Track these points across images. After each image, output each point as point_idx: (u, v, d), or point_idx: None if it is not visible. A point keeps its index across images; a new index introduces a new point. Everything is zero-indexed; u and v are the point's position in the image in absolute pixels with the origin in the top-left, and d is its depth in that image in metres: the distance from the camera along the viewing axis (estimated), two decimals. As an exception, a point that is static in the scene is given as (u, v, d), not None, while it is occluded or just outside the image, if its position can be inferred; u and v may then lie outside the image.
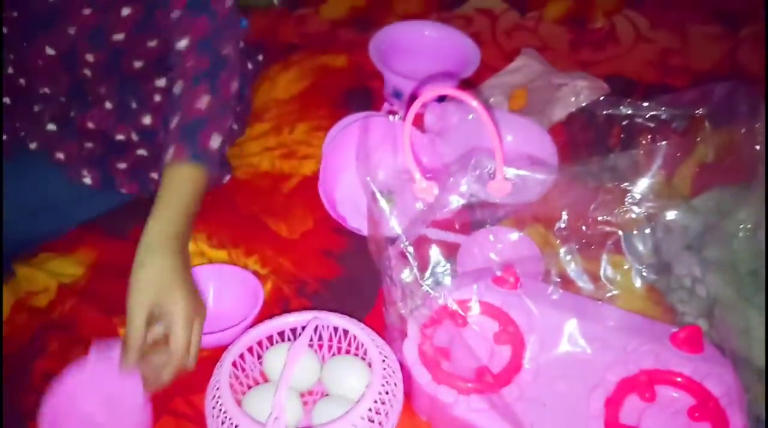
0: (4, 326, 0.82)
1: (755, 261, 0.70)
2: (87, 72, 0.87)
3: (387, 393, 0.67)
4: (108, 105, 0.90)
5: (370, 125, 0.87)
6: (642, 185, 0.77)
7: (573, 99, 1.04)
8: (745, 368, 0.66)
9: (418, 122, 1.03)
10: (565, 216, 0.72)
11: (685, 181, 0.87)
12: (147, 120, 0.91)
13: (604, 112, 0.76)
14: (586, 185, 0.72)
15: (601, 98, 0.77)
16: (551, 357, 0.69)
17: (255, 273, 0.87)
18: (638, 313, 0.73)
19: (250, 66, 1.08)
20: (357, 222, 0.90)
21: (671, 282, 0.78)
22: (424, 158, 0.93)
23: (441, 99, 1.07)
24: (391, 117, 0.98)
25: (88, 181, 0.88)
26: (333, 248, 0.91)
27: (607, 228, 0.73)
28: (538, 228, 0.87)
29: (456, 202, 0.74)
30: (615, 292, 0.76)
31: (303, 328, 0.74)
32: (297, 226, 0.94)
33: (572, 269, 0.72)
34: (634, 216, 0.72)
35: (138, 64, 0.88)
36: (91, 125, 0.89)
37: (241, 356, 0.72)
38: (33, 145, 0.88)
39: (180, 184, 0.71)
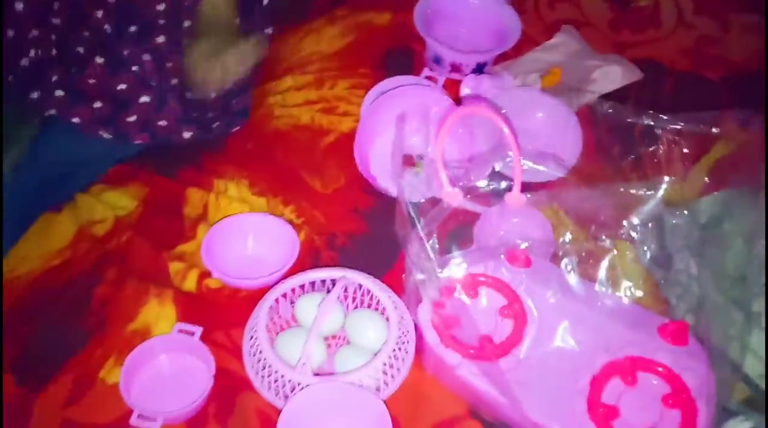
0: (66, 250, 0.93)
1: (745, 267, 0.77)
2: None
3: (400, 349, 0.77)
4: (99, 59, 0.99)
5: (407, 100, 0.92)
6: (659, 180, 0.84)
7: (605, 82, 1.08)
8: (721, 363, 0.74)
9: (454, 91, 1.09)
10: (569, 235, 0.79)
11: (699, 178, 0.93)
12: (146, 56, 1.00)
13: (628, 120, 0.81)
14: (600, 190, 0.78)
15: (625, 108, 0.82)
16: (549, 334, 0.78)
17: (290, 222, 0.95)
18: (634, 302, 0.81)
19: None
20: (386, 183, 0.97)
21: (669, 275, 0.85)
22: (456, 147, 0.98)
23: (478, 70, 1.12)
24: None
25: (106, 135, 0.99)
26: (361, 206, 0.99)
27: (606, 245, 0.79)
28: (554, 207, 0.94)
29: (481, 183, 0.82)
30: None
31: (332, 281, 0.83)
32: (330, 182, 1.02)
33: (571, 279, 0.79)
34: (628, 239, 0.79)
35: None
36: (92, 81, 0.98)
37: (276, 300, 0.82)
38: (51, 112, 0.98)
39: None
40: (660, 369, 0.74)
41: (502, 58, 1.15)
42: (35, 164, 0.98)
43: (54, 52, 1.01)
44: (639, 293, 0.84)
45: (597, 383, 0.74)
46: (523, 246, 0.81)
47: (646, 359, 0.75)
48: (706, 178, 0.88)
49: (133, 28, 1.04)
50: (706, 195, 0.87)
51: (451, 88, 1.10)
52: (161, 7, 1.04)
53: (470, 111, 0.75)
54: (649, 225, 0.86)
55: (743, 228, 0.78)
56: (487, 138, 0.90)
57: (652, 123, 0.80)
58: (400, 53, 1.19)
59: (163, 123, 1.01)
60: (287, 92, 1.13)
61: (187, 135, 1.02)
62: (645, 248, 0.85)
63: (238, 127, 1.06)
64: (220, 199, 0.99)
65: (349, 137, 1.03)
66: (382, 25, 1.24)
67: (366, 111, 1.03)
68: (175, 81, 1.03)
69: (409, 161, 0.99)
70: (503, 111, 0.99)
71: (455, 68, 1.12)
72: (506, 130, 0.71)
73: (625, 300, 0.80)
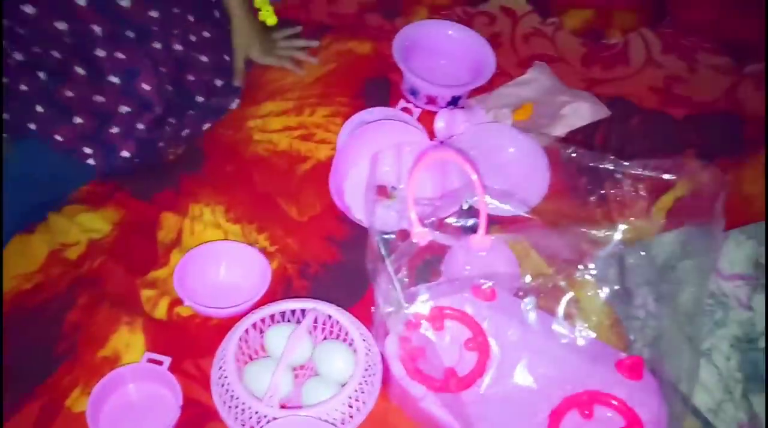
0: (38, 274, 0.93)
1: (698, 305, 0.80)
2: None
3: (366, 382, 0.78)
4: (79, 70, 0.97)
5: (383, 135, 0.95)
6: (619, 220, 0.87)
7: (574, 118, 1.12)
8: (673, 397, 0.77)
9: (429, 122, 1.11)
10: (528, 278, 0.82)
11: (658, 217, 0.96)
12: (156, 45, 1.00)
13: (590, 164, 0.84)
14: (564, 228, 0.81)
15: (588, 152, 0.85)
16: (511, 367, 0.80)
17: (264, 249, 0.97)
18: (596, 335, 0.84)
19: None
20: (360, 214, 0.99)
21: (629, 311, 0.88)
22: (431, 183, 1.00)
23: (453, 103, 1.15)
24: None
25: (91, 161, 0.99)
26: (336, 235, 1.01)
27: (569, 280, 0.82)
28: (523, 242, 0.96)
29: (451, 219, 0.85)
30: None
31: (302, 312, 0.85)
32: (306, 210, 1.04)
33: (533, 314, 0.82)
34: (589, 278, 0.82)
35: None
36: (69, 94, 0.96)
37: (246, 330, 0.84)
38: (31, 126, 0.96)
39: None
40: (615, 403, 0.76)
41: (477, 91, 1.18)
42: (8, 181, 0.98)
43: (23, 59, 0.97)
44: (599, 328, 0.86)
45: (555, 416, 0.77)
46: (489, 282, 0.83)
47: (602, 393, 0.77)
48: (665, 218, 0.91)
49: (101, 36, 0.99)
50: (665, 232, 0.90)
51: (426, 120, 1.13)
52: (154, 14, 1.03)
53: (440, 157, 0.78)
54: (610, 262, 0.89)
55: (697, 267, 0.81)
56: (460, 174, 0.93)
57: (611, 167, 0.84)
58: (378, 83, 1.22)
59: (140, 126, 1.01)
60: (267, 117, 1.15)
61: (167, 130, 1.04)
62: (606, 285, 0.88)
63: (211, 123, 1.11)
64: (195, 224, 1.00)
65: (326, 165, 1.05)
66: (362, 55, 1.27)
67: (342, 143, 1.06)
68: (147, 88, 1.00)
69: (383, 192, 1.01)
70: (474, 146, 1.02)
71: (431, 100, 1.15)
72: (474, 176, 0.74)
73: (585, 336, 0.82)
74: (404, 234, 0.84)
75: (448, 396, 0.77)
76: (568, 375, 0.79)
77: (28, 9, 0.93)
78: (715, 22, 1.33)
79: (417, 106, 1.16)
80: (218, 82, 1.13)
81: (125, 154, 1.01)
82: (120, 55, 0.98)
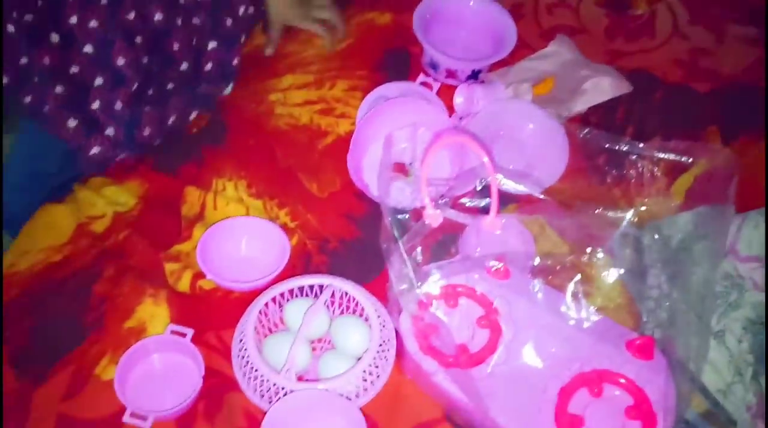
0: (67, 246, 0.97)
1: (709, 285, 0.81)
2: None
3: (381, 357, 0.81)
4: (88, 48, 0.95)
5: (401, 114, 0.96)
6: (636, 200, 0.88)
7: (595, 94, 1.11)
8: (682, 377, 0.78)
9: (449, 97, 1.11)
10: (539, 258, 0.83)
11: (676, 197, 0.96)
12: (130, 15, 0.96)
13: (605, 146, 0.84)
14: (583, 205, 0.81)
15: (603, 133, 0.85)
16: (522, 344, 0.82)
17: (284, 225, 0.99)
18: (607, 312, 0.85)
19: None
20: (377, 191, 1.01)
21: (643, 290, 0.88)
22: (448, 160, 1.01)
23: (473, 76, 1.15)
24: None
25: (72, 123, 0.97)
26: (355, 212, 1.02)
27: (585, 258, 0.83)
28: (538, 219, 0.97)
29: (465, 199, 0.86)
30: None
31: (320, 287, 0.87)
32: (326, 186, 1.05)
33: (546, 292, 0.83)
34: (604, 257, 0.83)
35: None
36: (47, 61, 0.94)
37: (266, 304, 0.86)
38: (27, 99, 0.96)
39: None
40: (623, 381, 0.78)
41: (498, 64, 1.17)
42: (32, 151, 1.00)
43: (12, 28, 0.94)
44: (612, 308, 0.87)
45: (565, 393, 0.78)
46: (500, 263, 0.84)
47: (612, 372, 0.79)
48: (684, 197, 0.91)
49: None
50: (681, 213, 0.90)
51: (446, 94, 1.13)
52: None
53: (452, 140, 0.79)
54: (626, 242, 0.89)
55: (709, 248, 0.81)
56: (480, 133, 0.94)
57: (626, 149, 0.83)
58: (398, 56, 1.22)
59: (147, 109, 1.00)
60: (288, 90, 1.16)
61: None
62: (621, 264, 0.89)
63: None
64: (218, 198, 1.03)
65: (346, 140, 1.05)
66: (382, 26, 1.26)
67: (360, 120, 1.06)
68: (122, 61, 0.97)
69: (401, 169, 1.02)
70: (493, 122, 1.03)
71: (450, 74, 1.15)
72: (485, 158, 0.74)
73: (597, 314, 0.83)
74: (418, 214, 0.86)
75: (459, 371, 0.79)
76: (578, 354, 0.80)
77: None
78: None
79: (437, 80, 1.15)
80: (208, 65, 1.09)
81: (110, 131, 0.99)
82: (93, 24, 0.94)
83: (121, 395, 0.79)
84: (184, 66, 1.07)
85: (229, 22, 1.13)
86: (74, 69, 0.95)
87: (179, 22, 1.04)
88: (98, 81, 0.97)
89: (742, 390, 0.80)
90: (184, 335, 0.85)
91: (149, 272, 0.94)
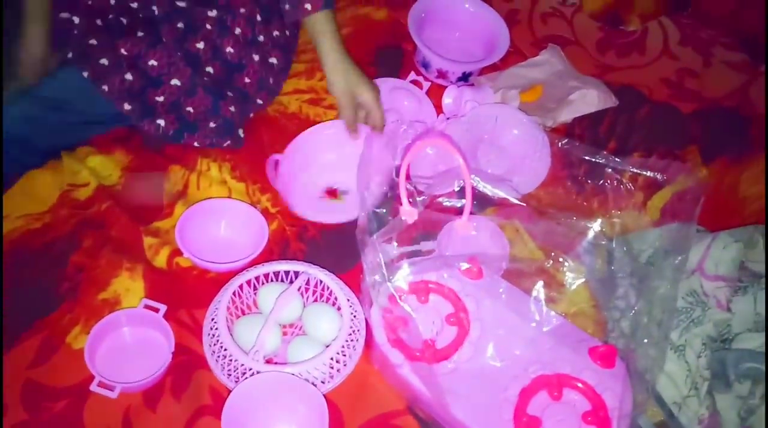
0: (47, 214, 0.97)
1: (672, 302, 0.83)
2: None
3: (349, 346, 0.82)
4: (139, 33, 1.00)
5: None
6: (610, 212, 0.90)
7: (582, 105, 1.13)
8: (641, 387, 0.80)
9: (437, 96, 1.13)
10: (505, 264, 0.84)
11: (656, 207, 0.98)
12: (200, 44, 1.02)
13: (584, 157, 0.86)
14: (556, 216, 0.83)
15: (581, 145, 0.87)
16: (487, 343, 0.84)
17: (265, 210, 1.00)
18: (574, 319, 0.87)
19: None
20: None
21: (610, 300, 0.91)
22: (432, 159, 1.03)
23: (464, 78, 1.16)
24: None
25: (128, 107, 1.00)
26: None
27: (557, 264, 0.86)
28: (515, 224, 0.99)
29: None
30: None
31: (296, 274, 0.88)
32: (309, 175, 1.06)
33: (515, 294, 0.85)
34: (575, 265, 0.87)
35: None
36: (123, 51, 0.99)
37: (240, 286, 0.88)
38: (85, 74, 0.99)
39: (330, 24, 0.99)
40: (580, 385, 0.80)
41: (488, 68, 1.19)
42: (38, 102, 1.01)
43: (99, 21, 1.03)
44: (579, 315, 0.90)
45: (525, 394, 0.80)
46: (475, 261, 0.86)
47: (572, 377, 0.81)
48: (658, 213, 0.93)
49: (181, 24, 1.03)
50: (652, 229, 0.93)
51: (436, 94, 1.14)
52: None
53: (431, 143, 0.82)
54: (599, 252, 0.91)
55: (671, 265, 0.83)
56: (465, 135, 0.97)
57: (603, 161, 0.85)
58: (390, 52, 1.23)
59: (189, 109, 1.03)
60: (278, 78, 1.17)
61: (212, 125, 1.05)
62: (591, 274, 0.91)
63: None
64: (202, 178, 1.03)
65: (332, 131, 1.07)
66: (378, 21, 1.28)
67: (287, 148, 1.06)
68: (210, 70, 1.04)
69: (332, 193, 1.05)
70: (479, 125, 1.04)
71: (441, 74, 1.16)
72: (462, 163, 0.77)
73: (561, 319, 0.85)
74: (396, 210, 0.87)
75: (423, 365, 0.80)
76: (540, 357, 0.82)
77: None
78: (737, 16, 1.31)
79: (427, 79, 1.17)
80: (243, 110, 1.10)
81: (161, 122, 1.02)
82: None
83: (90, 364, 0.80)
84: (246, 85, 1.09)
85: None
86: (152, 62, 1.01)
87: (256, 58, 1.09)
88: (174, 82, 1.02)
89: (696, 403, 0.83)
90: (157, 310, 0.86)
91: (128, 245, 0.94)
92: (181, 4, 1.03)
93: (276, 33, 1.10)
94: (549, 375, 0.81)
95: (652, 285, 0.86)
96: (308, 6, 0.98)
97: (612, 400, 0.79)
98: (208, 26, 1.03)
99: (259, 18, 1.07)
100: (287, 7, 1.00)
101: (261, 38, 1.08)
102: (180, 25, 1.02)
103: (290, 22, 1.05)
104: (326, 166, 1.06)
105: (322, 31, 1.00)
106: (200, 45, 1.03)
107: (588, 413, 0.79)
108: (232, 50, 1.05)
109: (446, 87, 1.13)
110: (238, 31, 1.05)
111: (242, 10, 1.05)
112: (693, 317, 0.89)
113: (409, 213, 0.81)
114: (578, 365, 0.82)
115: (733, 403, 0.80)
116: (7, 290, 0.89)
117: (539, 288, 0.87)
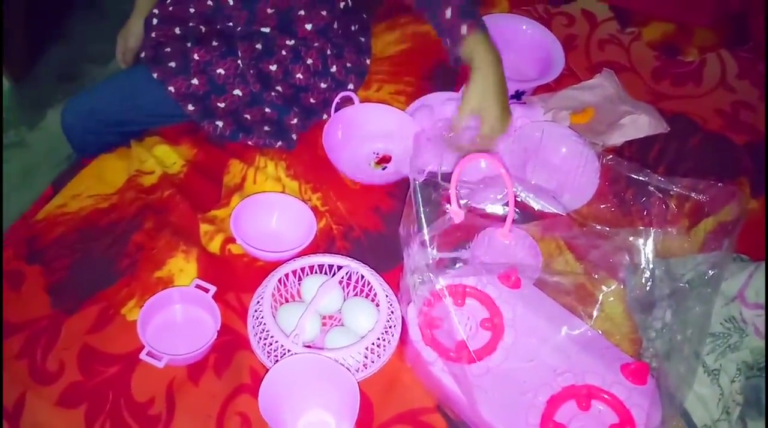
0: (114, 196, 1.04)
1: (706, 326, 0.83)
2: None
3: (384, 339, 0.85)
4: (214, 43, 1.10)
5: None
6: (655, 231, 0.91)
7: (632, 130, 1.14)
8: (671, 405, 0.81)
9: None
10: (547, 274, 0.88)
11: (700, 234, 0.98)
12: (273, 66, 1.12)
13: (630, 175, 0.88)
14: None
15: (628, 163, 0.89)
16: (520, 350, 0.86)
17: (315, 208, 1.05)
18: (608, 335, 0.88)
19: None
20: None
21: (647, 320, 0.91)
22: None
23: (516, 97, 1.19)
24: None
25: (191, 107, 1.10)
26: (382, 207, 1.07)
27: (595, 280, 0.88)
28: (556, 237, 1.01)
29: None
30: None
31: (338, 268, 0.92)
32: (360, 179, 1.11)
33: (551, 305, 0.87)
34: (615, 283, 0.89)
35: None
36: (196, 56, 1.09)
37: (286, 275, 0.92)
38: (155, 75, 1.10)
39: (486, 45, 0.98)
40: (612, 400, 0.81)
41: (542, 88, 1.22)
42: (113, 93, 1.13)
43: (178, 29, 1.14)
44: (614, 332, 0.91)
45: (554, 402, 0.82)
46: (515, 271, 0.88)
47: (602, 389, 0.82)
48: (702, 240, 0.93)
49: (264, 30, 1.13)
50: (698, 254, 0.93)
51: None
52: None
53: (477, 157, 0.86)
54: (639, 273, 0.92)
55: (709, 289, 0.84)
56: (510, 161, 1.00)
57: (648, 180, 0.87)
58: (447, 68, 1.26)
59: (247, 116, 1.12)
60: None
61: (267, 128, 1.11)
62: (631, 293, 0.92)
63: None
64: (258, 174, 1.09)
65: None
66: (437, 39, 1.31)
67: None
68: (279, 89, 1.13)
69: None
70: (529, 142, 1.07)
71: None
72: (503, 172, 0.80)
73: (597, 334, 0.86)
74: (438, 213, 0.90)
75: (456, 365, 0.83)
76: (572, 368, 0.84)
77: None
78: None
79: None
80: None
81: (219, 124, 1.10)
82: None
83: (141, 335, 0.85)
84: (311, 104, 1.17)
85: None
86: (220, 71, 1.10)
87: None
88: (237, 92, 1.11)
89: (727, 427, 0.82)
90: (207, 291, 0.91)
91: (185, 230, 1.00)
92: (265, 30, 1.12)
93: (348, 65, 1.19)
94: (579, 385, 0.83)
95: (687, 306, 0.86)
96: (463, 29, 0.97)
97: (640, 416, 0.80)
98: (284, 52, 1.13)
99: (329, 52, 1.16)
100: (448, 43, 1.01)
101: (333, 69, 1.17)
102: (258, 46, 1.12)
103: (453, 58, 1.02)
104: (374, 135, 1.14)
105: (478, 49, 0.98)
106: (273, 67, 1.13)
107: (615, 426, 0.80)
108: (301, 76, 1.14)
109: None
110: (309, 61, 1.15)
111: (316, 44, 1.15)
112: (730, 342, 0.88)
113: (456, 213, 0.85)
114: (609, 379, 0.83)
115: (765, 431, 0.80)
116: (75, 261, 0.96)
117: (576, 302, 0.89)
